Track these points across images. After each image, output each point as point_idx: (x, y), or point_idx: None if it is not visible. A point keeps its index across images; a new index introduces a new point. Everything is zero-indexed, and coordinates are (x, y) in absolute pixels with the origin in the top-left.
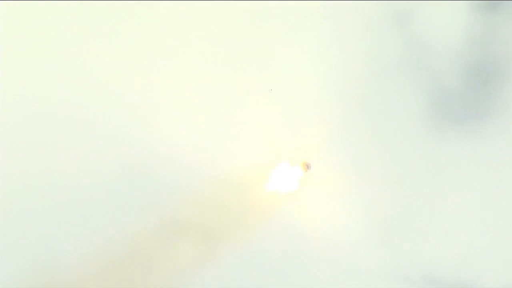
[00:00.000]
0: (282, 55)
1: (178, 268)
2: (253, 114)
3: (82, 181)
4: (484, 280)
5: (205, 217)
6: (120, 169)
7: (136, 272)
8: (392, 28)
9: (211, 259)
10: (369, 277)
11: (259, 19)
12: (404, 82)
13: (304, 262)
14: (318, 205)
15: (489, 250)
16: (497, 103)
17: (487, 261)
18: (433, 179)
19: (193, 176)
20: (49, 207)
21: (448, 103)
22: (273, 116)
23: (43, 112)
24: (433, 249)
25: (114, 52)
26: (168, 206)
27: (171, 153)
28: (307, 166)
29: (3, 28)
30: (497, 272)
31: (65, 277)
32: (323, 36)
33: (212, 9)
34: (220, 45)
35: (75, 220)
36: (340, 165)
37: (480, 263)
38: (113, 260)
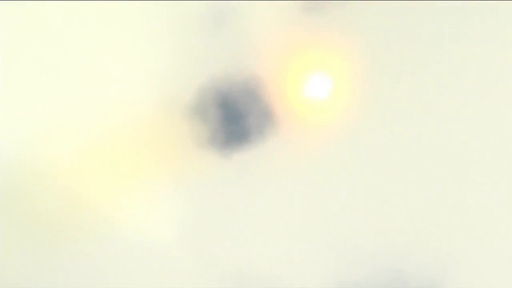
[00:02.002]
0: None
1: None
2: None
3: None
4: (292, 281)
5: None
6: None
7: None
8: (213, 28)
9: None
10: (179, 275)
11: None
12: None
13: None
14: None
15: (300, 252)
16: None
17: (298, 263)
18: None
19: None
20: None
21: None
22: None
23: None
24: (246, 248)
25: None
26: None
27: None
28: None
29: None
30: (307, 274)
31: None
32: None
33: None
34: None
35: None
36: None
37: (290, 265)
38: None
